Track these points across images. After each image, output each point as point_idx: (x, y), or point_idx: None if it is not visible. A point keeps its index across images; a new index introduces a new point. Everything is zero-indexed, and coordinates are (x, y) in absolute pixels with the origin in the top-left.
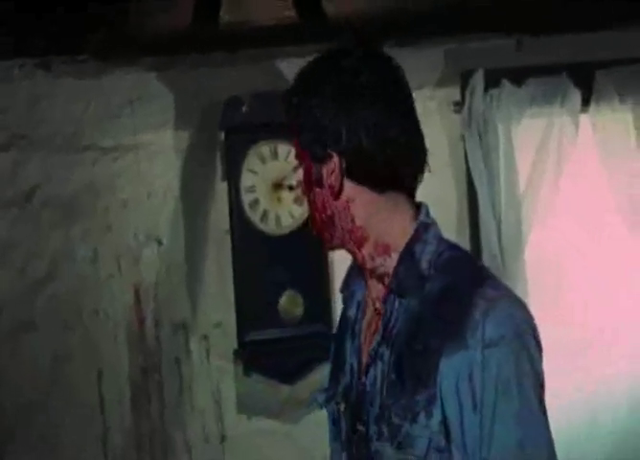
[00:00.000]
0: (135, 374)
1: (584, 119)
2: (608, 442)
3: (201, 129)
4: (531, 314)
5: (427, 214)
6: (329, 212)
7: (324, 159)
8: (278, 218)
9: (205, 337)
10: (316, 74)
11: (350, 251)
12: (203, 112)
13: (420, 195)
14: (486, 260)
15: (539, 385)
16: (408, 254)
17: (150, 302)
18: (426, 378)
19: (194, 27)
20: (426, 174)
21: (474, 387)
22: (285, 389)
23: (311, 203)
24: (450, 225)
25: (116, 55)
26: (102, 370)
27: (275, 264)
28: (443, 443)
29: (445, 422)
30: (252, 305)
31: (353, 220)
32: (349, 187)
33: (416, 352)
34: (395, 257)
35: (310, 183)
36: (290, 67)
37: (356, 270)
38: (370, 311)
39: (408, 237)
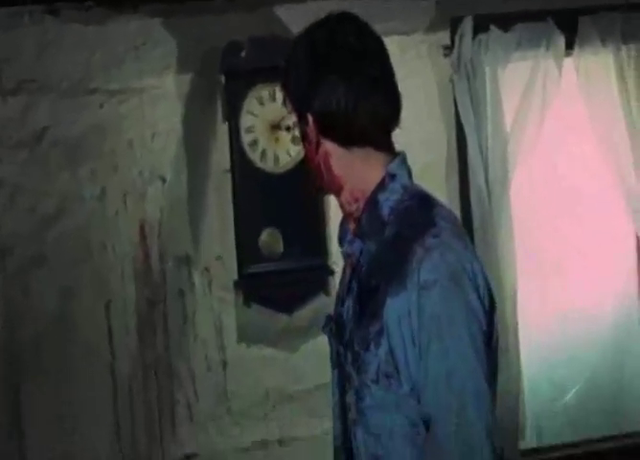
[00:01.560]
0: (141, 305)
1: (568, 62)
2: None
3: (202, 74)
4: (469, 260)
5: (401, 164)
6: (315, 162)
7: (303, 118)
8: (276, 157)
9: (207, 270)
10: (298, 45)
11: (335, 197)
12: (204, 57)
13: (409, 136)
14: (473, 195)
15: (476, 322)
16: (372, 201)
17: (155, 237)
18: (377, 312)
19: None
20: (416, 115)
21: (412, 324)
22: (283, 318)
23: (305, 151)
24: (440, 163)
25: (121, 2)
26: (110, 302)
27: (273, 201)
28: (390, 370)
29: (391, 352)
30: (251, 239)
31: (331, 170)
32: (325, 142)
33: (371, 288)
34: (362, 203)
35: (303, 136)
36: (288, 13)
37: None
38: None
39: (374, 185)
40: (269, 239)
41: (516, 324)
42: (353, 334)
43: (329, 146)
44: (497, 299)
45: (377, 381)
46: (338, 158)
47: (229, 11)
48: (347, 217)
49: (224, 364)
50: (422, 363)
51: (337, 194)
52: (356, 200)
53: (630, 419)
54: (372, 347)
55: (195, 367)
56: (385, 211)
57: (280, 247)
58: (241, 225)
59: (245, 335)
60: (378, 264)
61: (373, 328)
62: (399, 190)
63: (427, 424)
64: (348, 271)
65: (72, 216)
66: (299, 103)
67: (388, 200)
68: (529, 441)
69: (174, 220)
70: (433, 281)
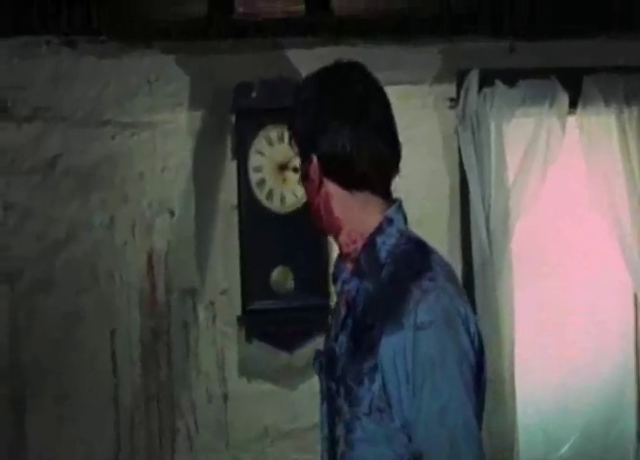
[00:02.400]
0: (145, 335)
1: (571, 120)
2: None
3: (213, 111)
4: (462, 304)
5: (398, 209)
6: (315, 202)
7: (307, 159)
8: (283, 197)
9: (212, 304)
10: (306, 88)
11: (332, 237)
12: (216, 95)
13: (413, 185)
14: (475, 246)
15: (466, 361)
16: (370, 244)
17: (162, 268)
18: (372, 349)
19: (209, 17)
20: (422, 165)
21: (407, 362)
22: (283, 356)
23: (306, 193)
24: (443, 213)
25: (136, 37)
26: (115, 330)
27: (278, 240)
28: (382, 405)
29: (384, 388)
30: (256, 276)
31: (332, 211)
32: (328, 184)
33: (366, 326)
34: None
35: (304, 177)
36: (297, 57)
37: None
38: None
39: (371, 227)
40: (281, 276)
41: (513, 372)
42: (346, 369)
43: (330, 187)
44: (495, 347)
45: (369, 414)
46: (339, 200)
47: (241, 51)
48: (343, 256)
49: (225, 397)
50: (415, 401)
51: (336, 234)
52: (354, 242)
53: None
54: (365, 382)
55: (197, 399)
56: (383, 254)
57: (291, 284)
58: (247, 262)
59: (246, 370)
60: (375, 302)
61: (367, 364)
62: (395, 234)
63: (418, 459)
64: (343, 309)
65: (80, 243)
66: (304, 143)
67: (385, 244)
68: None
69: (181, 253)
70: (429, 322)
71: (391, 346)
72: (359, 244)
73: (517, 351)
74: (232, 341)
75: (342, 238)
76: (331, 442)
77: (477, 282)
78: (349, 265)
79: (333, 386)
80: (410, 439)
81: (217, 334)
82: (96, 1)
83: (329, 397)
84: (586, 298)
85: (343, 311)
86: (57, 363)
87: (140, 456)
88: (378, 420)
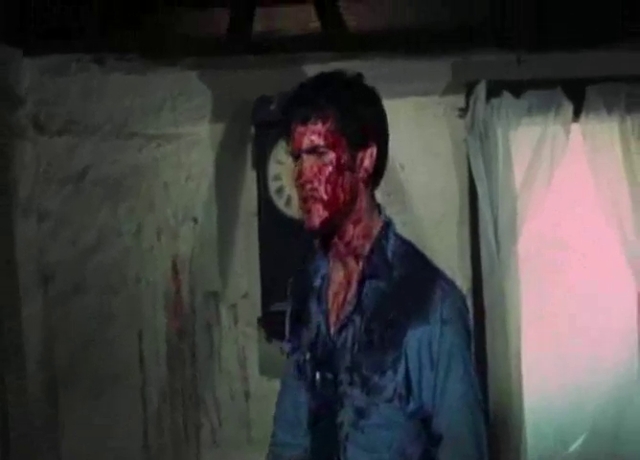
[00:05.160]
0: (171, 335)
1: (575, 128)
2: None
3: (234, 124)
4: (466, 301)
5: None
6: (352, 193)
7: (364, 146)
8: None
9: (234, 306)
10: (356, 82)
11: (342, 229)
12: (236, 108)
13: (425, 190)
14: (483, 249)
15: (470, 349)
16: (378, 246)
17: (186, 273)
18: (395, 343)
19: (230, 34)
20: (432, 171)
21: (432, 352)
22: None
23: (335, 188)
24: (452, 217)
25: (161, 54)
26: (143, 331)
27: (296, 244)
28: (404, 391)
29: (406, 376)
30: (275, 279)
31: (361, 202)
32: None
33: (386, 322)
34: (368, 243)
35: (340, 168)
36: (314, 71)
37: (322, 251)
38: (336, 284)
39: (378, 229)
40: None
41: (520, 370)
42: (359, 361)
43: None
44: (502, 346)
45: (390, 401)
46: (365, 193)
47: (260, 67)
48: (340, 250)
49: (247, 395)
50: (438, 386)
51: (354, 226)
52: (365, 237)
53: None
54: (389, 372)
55: (220, 396)
56: (389, 254)
57: None
58: (266, 266)
59: (267, 369)
60: (393, 300)
61: (389, 356)
62: (393, 236)
63: (439, 438)
64: (335, 303)
65: (110, 249)
66: (359, 132)
67: (390, 245)
68: None
69: (204, 258)
70: (450, 318)
71: (417, 338)
72: (367, 242)
73: (525, 348)
74: (253, 341)
75: (357, 230)
76: (328, 427)
77: (485, 283)
78: (351, 261)
79: (331, 376)
80: (424, 422)
81: (239, 335)
82: (124, 21)
83: (323, 386)
84: (592, 297)
85: (347, 310)
86: (88, 362)
87: (167, 449)
88: (397, 406)
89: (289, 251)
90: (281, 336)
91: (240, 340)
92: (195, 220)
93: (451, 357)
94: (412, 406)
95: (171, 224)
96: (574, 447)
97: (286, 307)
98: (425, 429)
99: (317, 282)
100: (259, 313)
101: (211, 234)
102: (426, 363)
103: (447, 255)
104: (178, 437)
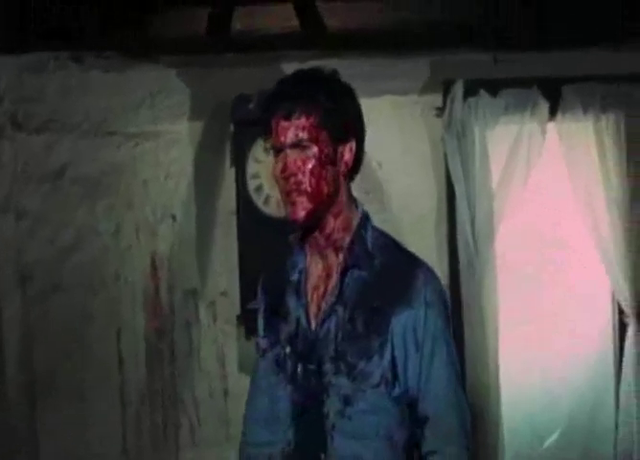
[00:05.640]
0: (150, 334)
1: (551, 127)
2: None
3: (213, 122)
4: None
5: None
6: (334, 186)
7: (345, 140)
8: (279, 202)
9: (212, 304)
10: (334, 79)
11: (323, 222)
12: (215, 107)
13: (403, 188)
14: (461, 246)
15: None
16: (359, 236)
17: (165, 271)
18: (381, 329)
19: (209, 33)
20: (410, 169)
21: (417, 336)
22: None
23: (319, 180)
24: (430, 216)
25: (140, 53)
26: (121, 329)
27: (274, 242)
28: (389, 376)
29: (393, 361)
30: (254, 277)
31: (342, 195)
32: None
33: (370, 310)
34: (348, 236)
35: (323, 161)
36: (293, 69)
37: (298, 245)
38: (315, 277)
39: (357, 221)
40: None
41: (497, 364)
42: (344, 349)
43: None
44: (480, 340)
45: (377, 386)
46: (345, 186)
47: (239, 65)
48: (320, 243)
49: (226, 393)
50: (423, 368)
51: (335, 218)
52: (345, 229)
53: None
54: (375, 358)
55: (199, 394)
56: (369, 245)
57: None
58: (245, 264)
59: (246, 367)
60: (375, 288)
61: (375, 341)
62: (371, 228)
63: (425, 419)
64: (315, 296)
65: (88, 247)
66: (340, 127)
67: (369, 236)
68: None
69: (183, 256)
70: (433, 301)
71: (401, 323)
72: (347, 235)
73: (501, 344)
74: (232, 339)
75: (337, 222)
76: (314, 419)
77: (463, 279)
78: (330, 253)
79: (314, 367)
80: (409, 406)
81: (218, 333)
82: (102, 19)
83: (306, 378)
84: (568, 294)
85: (329, 301)
86: (67, 361)
87: (146, 449)
88: (383, 391)
89: (268, 249)
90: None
91: (219, 338)
92: (174, 218)
93: (435, 340)
94: (397, 390)
95: (150, 222)
96: (549, 442)
97: (259, 304)
98: (411, 412)
99: (295, 276)
100: (238, 311)
101: (190, 232)
102: (411, 346)
103: (426, 252)
104: (157, 437)
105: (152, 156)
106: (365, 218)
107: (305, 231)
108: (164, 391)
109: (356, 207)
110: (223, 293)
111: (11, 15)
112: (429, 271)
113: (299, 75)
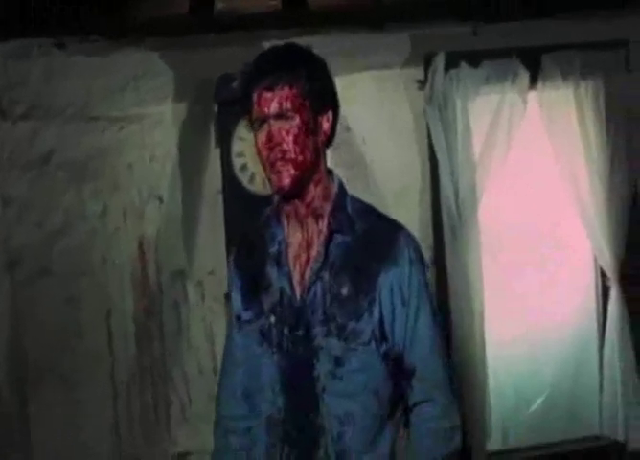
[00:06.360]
0: (139, 315)
1: (532, 96)
2: None
3: (197, 102)
4: None
5: None
6: (316, 155)
7: (323, 110)
8: (264, 180)
9: (200, 283)
10: (311, 53)
11: (305, 190)
12: (199, 87)
13: (387, 162)
14: (445, 217)
15: None
16: (339, 203)
17: (152, 252)
18: (368, 289)
19: (191, 13)
20: (393, 143)
21: (403, 292)
22: None
23: (303, 149)
24: (414, 188)
25: (123, 36)
26: (111, 311)
27: (260, 220)
28: (378, 332)
29: (381, 318)
30: None
31: (320, 165)
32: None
33: (357, 271)
34: (327, 204)
35: (305, 131)
36: None
37: (275, 218)
38: (295, 246)
39: (336, 188)
40: None
41: (483, 332)
42: (332, 312)
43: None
44: (466, 309)
45: (368, 343)
46: (324, 156)
47: (222, 45)
48: (300, 211)
49: (215, 370)
50: (409, 323)
51: (315, 186)
52: (324, 197)
53: (586, 424)
54: (365, 316)
55: (189, 372)
56: (350, 210)
57: None
58: (232, 243)
59: None
60: (360, 252)
61: (363, 301)
62: (348, 195)
63: (413, 371)
64: (298, 265)
65: (76, 231)
66: (319, 99)
67: (348, 203)
68: (495, 443)
69: (170, 237)
70: (415, 258)
71: (389, 280)
72: (326, 202)
73: (486, 313)
74: (220, 317)
75: (318, 190)
76: (304, 383)
77: (448, 252)
78: (311, 221)
79: (302, 333)
80: (396, 359)
81: (206, 311)
82: (84, 2)
83: (294, 344)
84: (551, 262)
85: (313, 267)
86: (57, 344)
87: (136, 426)
88: (373, 348)
89: (254, 227)
90: None
91: (207, 317)
92: (161, 200)
93: (420, 295)
94: (385, 347)
95: (137, 205)
96: (535, 406)
97: (232, 281)
98: (396, 366)
99: (274, 248)
100: (225, 290)
101: (176, 213)
102: (398, 302)
103: (410, 225)
104: (148, 414)
105: (137, 139)
106: (342, 184)
107: (286, 200)
108: (154, 369)
109: (332, 176)
110: (211, 272)
111: None
112: (409, 233)
113: (276, 49)
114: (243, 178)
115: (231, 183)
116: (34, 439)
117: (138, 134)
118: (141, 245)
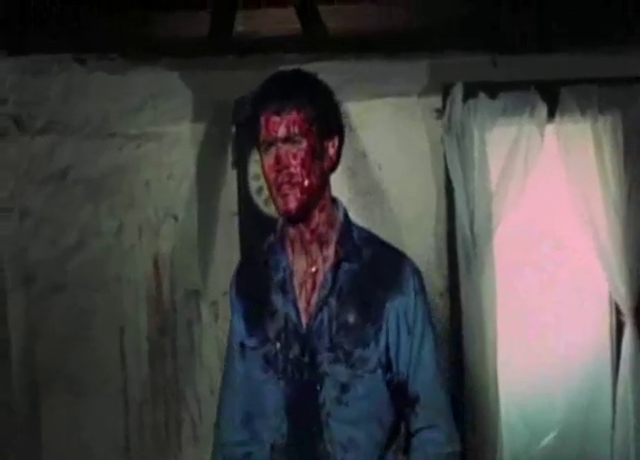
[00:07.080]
0: (152, 333)
1: (550, 129)
2: None
3: (215, 123)
4: None
5: None
6: (322, 180)
7: (329, 136)
8: None
9: (214, 303)
10: (318, 81)
11: (310, 216)
12: (217, 108)
13: (403, 189)
14: (460, 245)
15: None
16: (345, 231)
17: (167, 270)
18: (375, 317)
19: (211, 35)
20: (410, 171)
21: (408, 321)
22: None
23: (309, 173)
24: (430, 216)
25: (142, 55)
26: (124, 328)
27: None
28: (384, 360)
29: (387, 346)
30: None
31: (325, 191)
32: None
33: (364, 299)
34: (331, 230)
35: (312, 155)
36: None
37: (279, 245)
38: (300, 273)
39: (341, 215)
40: None
41: (496, 363)
42: (339, 340)
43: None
44: (479, 341)
45: (374, 371)
46: (329, 182)
47: (240, 67)
48: (305, 239)
49: None
50: (414, 351)
51: (320, 212)
52: (329, 223)
53: None
54: (372, 344)
55: (200, 392)
56: (355, 238)
57: None
58: None
59: None
60: (368, 279)
61: (370, 330)
62: (352, 222)
63: (417, 399)
64: (304, 292)
65: (91, 247)
66: (327, 124)
67: (353, 231)
68: None
69: (185, 256)
70: (420, 288)
71: (395, 309)
72: (330, 229)
73: (499, 344)
74: None
75: (323, 217)
76: (309, 409)
77: (462, 282)
78: (315, 248)
79: (307, 360)
80: (399, 387)
81: (219, 332)
82: (104, 20)
83: (299, 370)
84: (565, 292)
85: (320, 294)
86: (71, 360)
87: (148, 445)
88: (380, 375)
89: (257, 253)
90: None
91: (220, 337)
92: (176, 219)
93: (425, 324)
94: (390, 374)
95: (153, 223)
96: (546, 441)
97: (234, 309)
98: (399, 394)
99: (279, 275)
100: None
101: (192, 232)
102: (404, 331)
103: (424, 253)
104: (159, 432)
105: (155, 157)
106: (346, 212)
107: (291, 224)
108: (166, 388)
109: (336, 204)
110: (225, 294)
111: (12, 17)
112: (412, 262)
113: (283, 74)
114: (259, 200)
115: (247, 205)
116: (44, 453)
117: (156, 153)
118: (156, 263)
